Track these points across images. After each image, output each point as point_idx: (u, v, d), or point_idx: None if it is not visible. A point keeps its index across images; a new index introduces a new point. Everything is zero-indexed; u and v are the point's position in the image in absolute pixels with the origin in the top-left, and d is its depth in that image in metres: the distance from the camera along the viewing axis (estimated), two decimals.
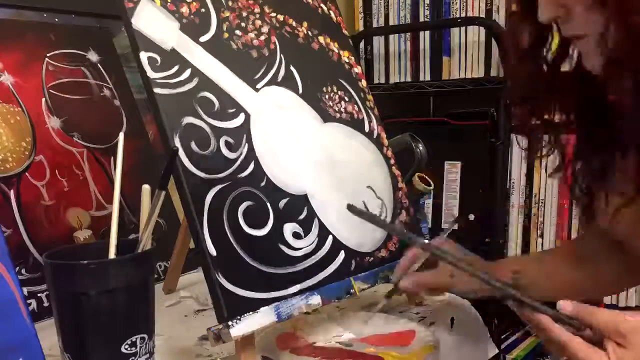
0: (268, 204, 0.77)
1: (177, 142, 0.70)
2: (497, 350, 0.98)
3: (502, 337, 1.63)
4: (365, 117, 0.97)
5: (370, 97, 1.00)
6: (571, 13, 0.63)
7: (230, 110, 0.78)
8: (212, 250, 0.69)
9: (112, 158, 1.10)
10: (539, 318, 0.60)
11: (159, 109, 0.71)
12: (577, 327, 0.60)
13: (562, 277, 0.86)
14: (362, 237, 0.86)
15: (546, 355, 1.65)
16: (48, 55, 1.07)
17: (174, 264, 1.03)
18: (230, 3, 0.83)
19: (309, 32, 0.94)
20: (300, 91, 0.88)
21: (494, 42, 1.62)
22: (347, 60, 0.99)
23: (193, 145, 0.72)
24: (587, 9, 0.61)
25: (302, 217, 0.80)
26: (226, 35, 0.81)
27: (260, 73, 0.84)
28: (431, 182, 1.14)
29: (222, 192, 0.73)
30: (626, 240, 0.79)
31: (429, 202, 1.72)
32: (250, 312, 0.68)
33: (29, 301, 0.89)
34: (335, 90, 0.94)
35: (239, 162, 0.76)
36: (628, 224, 0.76)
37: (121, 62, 1.20)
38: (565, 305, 0.60)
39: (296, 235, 0.79)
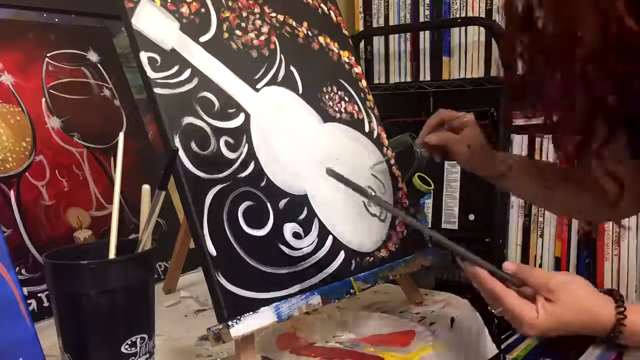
0: (268, 204, 0.77)
1: (177, 142, 0.70)
2: (497, 350, 0.98)
3: (502, 337, 1.63)
4: (365, 117, 0.97)
5: (370, 97, 1.00)
6: None
7: (230, 110, 0.78)
8: (212, 250, 0.69)
9: (112, 158, 1.10)
10: (477, 270, 0.65)
11: (159, 109, 0.71)
12: (516, 284, 0.65)
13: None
14: (362, 237, 0.86)
15: (547, 356, 1.64)
16: (48, 55, 1.07)
17: (174, 264, 1.03)
18: (230, 3, 0.83)
19: (309, 32, 0.94)
20: (300, 91, 0.88)
21: (494, 42, 1.61)
22: (347, 60, 0.99)
23: (193, 145, 0.72)
24: None
25: (302, 217, 0.80)
26: (226, 35, 0.81)
27: (260, 73, 0.84)
28: (431, 182, 1.14)
29: (222, 192, 0.73)
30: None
31: (429, 202, 1.72)
32: (250, 312, 0.68)
33: (29, 301, 0.89)
34: (335, 90, 0.94)
35: (239, 162, 0.76)
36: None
37: (121, 62, 1.20)
38: (508, 266, 0.66)
39: (296, 235, 0.79)
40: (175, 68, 0.74)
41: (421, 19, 1.74)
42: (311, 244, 0.80)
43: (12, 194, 0.94)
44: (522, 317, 0.62)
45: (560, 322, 0.62)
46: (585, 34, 0.59)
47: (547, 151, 1.56)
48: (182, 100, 0.73)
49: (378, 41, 1.82)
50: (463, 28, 1.68)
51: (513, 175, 0.91)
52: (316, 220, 0.82)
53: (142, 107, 1.20)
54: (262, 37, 0.86)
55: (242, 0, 0.85)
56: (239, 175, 0.75)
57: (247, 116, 0.79)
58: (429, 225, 1.68)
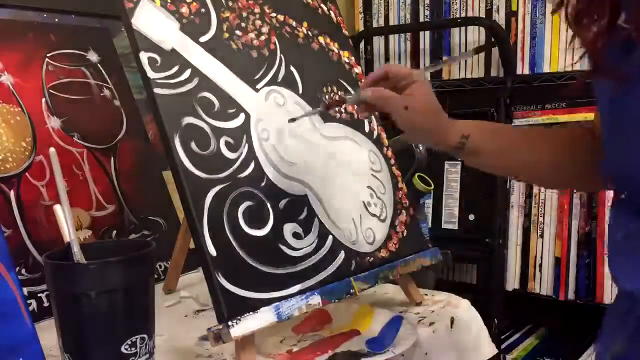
0: (268, 204, 0.77)
1: (177, 142, 0.71)
2: (497, 350, 0.98)
3: (502, 337, 1.63)
4: None
5: None
6: None
7: (230, 110, 0.78)
8: (212, 250, 0.69)
9: (112, 158, 1.10)
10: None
11: (159, 109, 0.71)
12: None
13: (513, 158, 0.80)
14: (362, 237, 0.86)
15: (547, 356, 1.65)
16: (48, 55, 1.07)
17: (174, 264, 1.03)
18: (230, 3, 0.83)
19: (309, 32, 0.94)
20: (300, 91, 0.88)
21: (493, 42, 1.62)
22: (347, 61, 0.99)
23: (193, 145, 0.72)
24: None
25: (302, 217, 0.80)
26: (226, 35, 0.81)
27: (260, 73, 0.84)
28: (431, 182, 1.14)
29: (222, 192, 0.73)
30: None
31: (429, 202, 1.72)
32: (250, 312, 0.68)
33: (29, 301, 0.89)
34: (335, 90, 0.94)
35: (239, 162, 0.76)
36: None
37: (121, 62, 1.20)
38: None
39: (296, 236, 0.79)
40: (175, 68, 0.74)
41: (421, 19, 1.74)
42: (311, 244, 0.80)
43: (12, 194, 0.94)
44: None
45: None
46: None
47: None
48: (182, 100, 0.73)
49: (378, 41, 1.82)
50: (463, 28, 1.68)
51: (472, 146, 0.77)
52: (316, 220, 0.82)
53: (142, 107, 1.20)
54: (262, 37, 0.86)
55: (242, 0, 0.85)
56: (239, 175, 0.75)
57: (247, 116, 0.79)
58: (429, 226, 1.68)
